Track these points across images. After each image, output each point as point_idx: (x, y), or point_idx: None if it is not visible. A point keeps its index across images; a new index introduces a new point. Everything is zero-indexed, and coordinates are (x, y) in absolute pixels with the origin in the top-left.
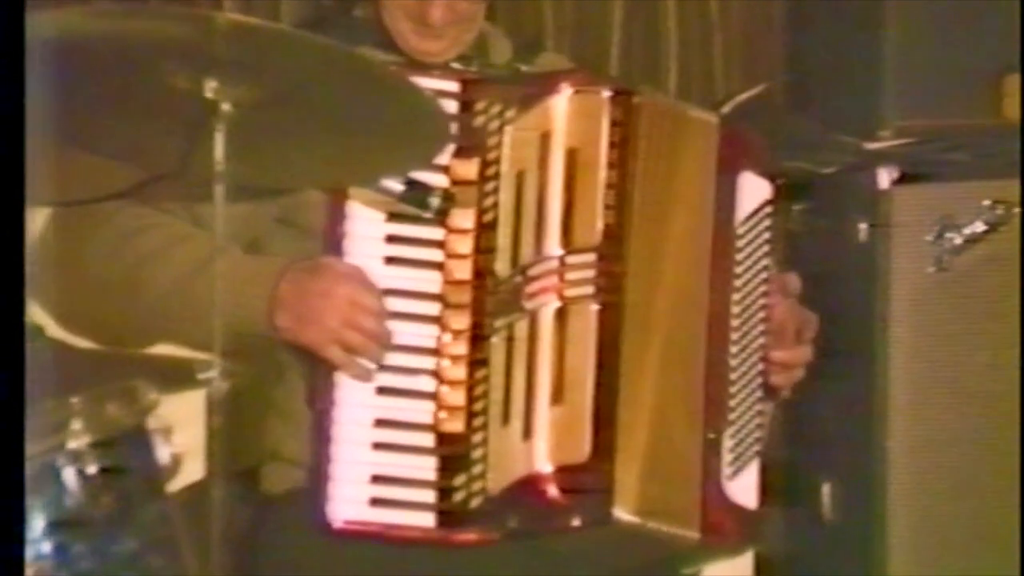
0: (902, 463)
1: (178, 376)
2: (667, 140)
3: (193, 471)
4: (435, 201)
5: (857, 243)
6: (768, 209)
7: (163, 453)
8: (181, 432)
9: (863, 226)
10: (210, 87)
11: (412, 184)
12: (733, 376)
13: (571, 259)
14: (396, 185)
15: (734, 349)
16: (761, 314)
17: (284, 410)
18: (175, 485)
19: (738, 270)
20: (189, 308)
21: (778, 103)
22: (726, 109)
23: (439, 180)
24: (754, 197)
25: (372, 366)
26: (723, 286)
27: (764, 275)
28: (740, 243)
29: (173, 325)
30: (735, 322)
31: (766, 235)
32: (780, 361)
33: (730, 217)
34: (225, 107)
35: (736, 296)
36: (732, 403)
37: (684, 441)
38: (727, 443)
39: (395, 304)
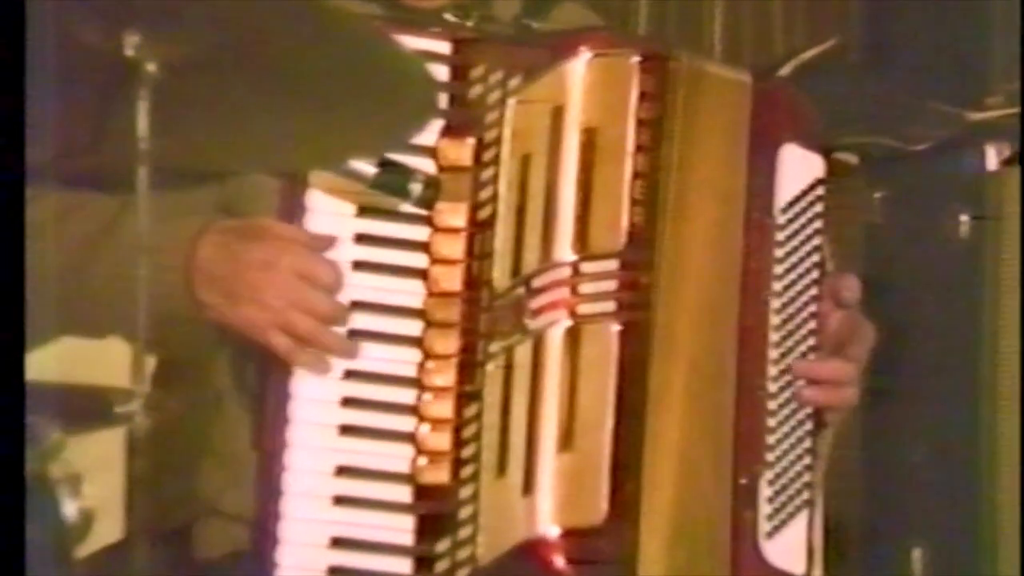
0: (1015, 522)
1: (90, 410)
2: (699, 113)
3: (108, 531)
4: (416, 187)
5: (957, 239)
6: (820, 191)
7: (69, 509)
8: (93, 482)
9: (965, 218)
10: (130, 43)
11: (387, 166)
12: (772, 405)
13: (587, 267)
14: (367, 168)
15: (773, 371)
16: (810, 325)
17: (223, 452)
18: (85, 548)
19: (779, 269)
20: (84, 296)
21: (853, 62)
22: (786, 70)
23: (424, 165)
24: (801, 176)
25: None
26: (759, 291)
27: (815, 275)
28: (781, 235)
29: (74, 315)
30: (775, 336)
31: (817, 224)
32: (808, 375)
33: (768, 202)
34: (149, 68)
35: (776, 303)
36: (771, 439)
37: (712, 490)
38: (765, 491)
39: (365, 321)
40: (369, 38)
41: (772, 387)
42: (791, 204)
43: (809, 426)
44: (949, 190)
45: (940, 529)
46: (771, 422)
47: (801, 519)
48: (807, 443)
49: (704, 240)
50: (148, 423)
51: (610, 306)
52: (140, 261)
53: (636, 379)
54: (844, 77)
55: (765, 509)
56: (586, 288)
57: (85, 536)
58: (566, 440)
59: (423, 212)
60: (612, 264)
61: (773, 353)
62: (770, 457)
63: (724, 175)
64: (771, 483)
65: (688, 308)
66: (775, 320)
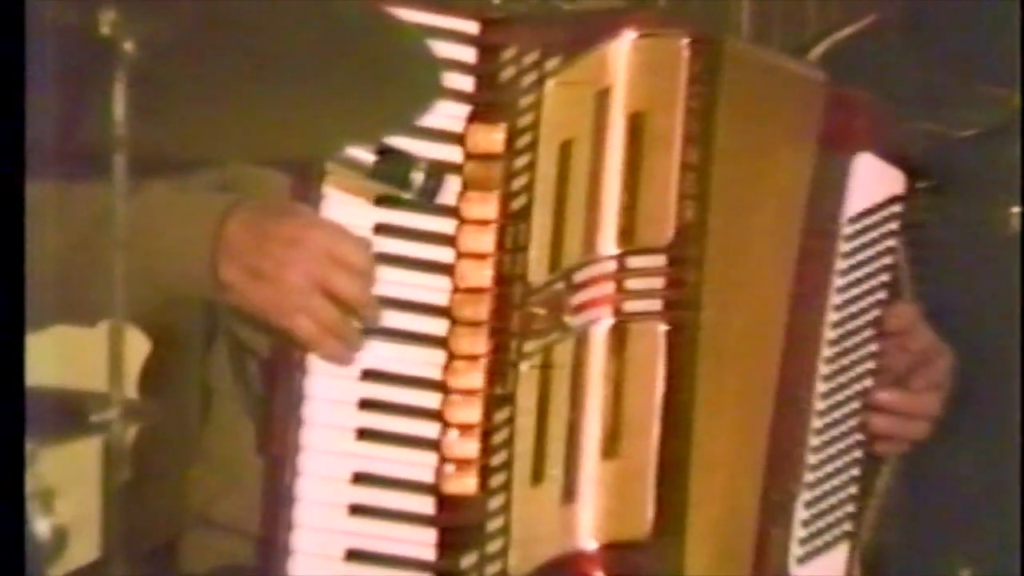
0: None
1: (63, 417)
2: (756, 105)
3: (84, 549)
4: (418, 176)
5: (1007, 235)
6: (896, 208)
7: (40, 526)
8: (67, 496)
9: (1016, 210)
10: (106, 20)
11: (387, 154)
12: (818, 423)
13: (633, 262)
14: (365, 156)
15: (823, 387)
16: (871, 347)
17: (216, 456)
18: (59, 569)
19: (840, 282)
20: (88, 282)
21: (892, 41)
22: (819, 50)
23: (451, 152)
24: (874, 189)
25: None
26: (813, 298)
27: (881, 295)
28: (847, 246)
29: (76, 303)
30: (828, 351)
31: (889, 242)
32: (885, 404)
33: (835, 209)
34: (127, 47)
35: (834, 316)
36: (813, 459)
37: (750, 507)
38: (800, 513)
39: (386, 319)
40: (365, 13)
41: (820, 404)
42: (861, 216)
43: (858, 454)
44: (998, 180)
45: (988, 550)
46: (815, 441)
47: (840, 550)
48: (854, 471)
49: (757, 238)
50: (127, 432)
51: (656, 304)
52: (120, 257)
53: (684, 383)
54: (882, 57)
55: (799, 532)
56: (631, 284)
57: (59, 555)
58: (611, 446)
59: (431, 203)
60: (659, 260)
61: (824, 369)
62: (810, 478)
63: (783, 172)
64: (808, 506)
65: (738, 309)
66: (830, 334)
